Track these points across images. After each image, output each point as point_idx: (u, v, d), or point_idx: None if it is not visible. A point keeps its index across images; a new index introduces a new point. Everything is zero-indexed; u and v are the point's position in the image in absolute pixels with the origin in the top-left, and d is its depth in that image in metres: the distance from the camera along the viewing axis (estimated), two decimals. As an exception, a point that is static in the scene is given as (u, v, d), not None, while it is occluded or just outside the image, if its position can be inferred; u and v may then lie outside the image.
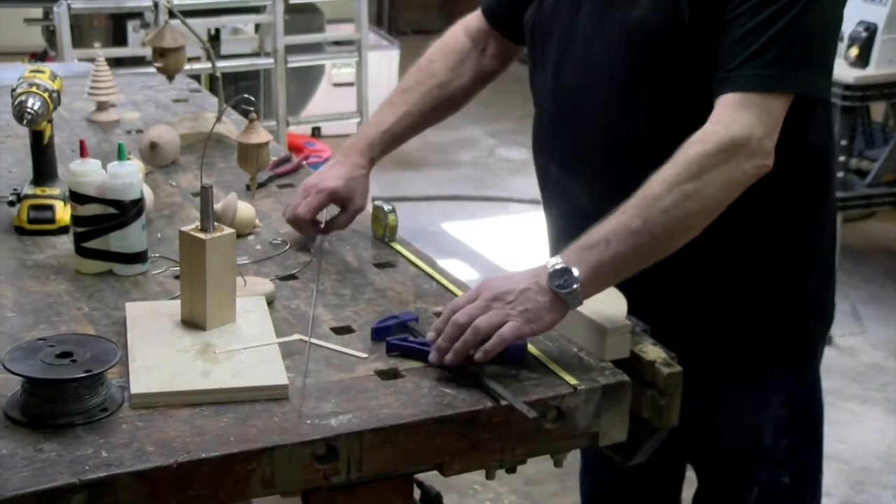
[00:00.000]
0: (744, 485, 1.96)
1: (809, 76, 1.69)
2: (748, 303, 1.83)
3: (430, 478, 1.55)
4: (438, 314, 1.66)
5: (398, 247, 1.89)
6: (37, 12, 4.07)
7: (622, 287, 1.63)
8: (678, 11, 1.69)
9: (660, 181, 1.57)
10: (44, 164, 1.93)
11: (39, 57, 4.39)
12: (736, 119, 1.62)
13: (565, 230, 1.91)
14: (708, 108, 1.68)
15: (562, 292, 1.52)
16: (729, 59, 1.65)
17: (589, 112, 1.81)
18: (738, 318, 1.84)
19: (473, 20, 2.10)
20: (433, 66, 2.08)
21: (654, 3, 1.72)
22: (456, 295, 1.72)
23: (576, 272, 1.51)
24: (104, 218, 1.75)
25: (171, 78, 2.31)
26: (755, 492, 1.95)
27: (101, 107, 2.43)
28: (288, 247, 1.88)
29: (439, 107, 2.07)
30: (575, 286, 1.51)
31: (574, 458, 1.65)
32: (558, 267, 1.51)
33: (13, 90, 1.91)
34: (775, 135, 1.63)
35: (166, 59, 2.27)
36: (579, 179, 1.84)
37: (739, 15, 1.65)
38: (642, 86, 1.75)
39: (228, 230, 1.60)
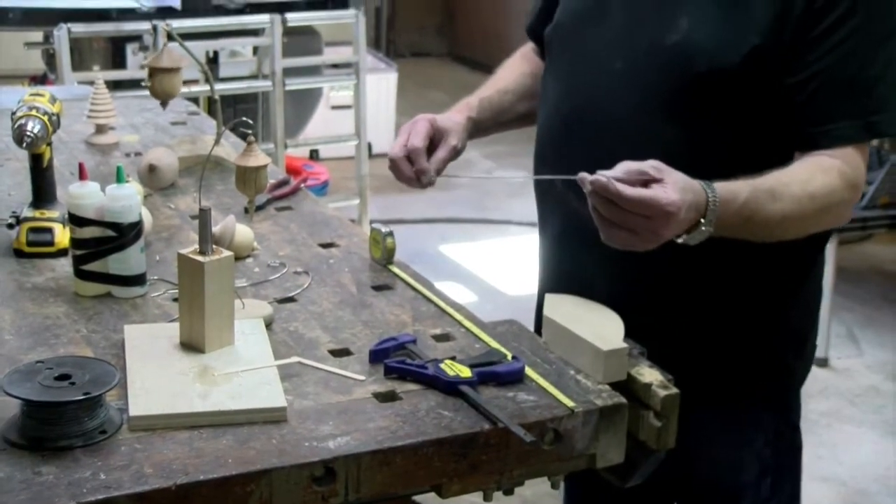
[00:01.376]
0: None
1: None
2: (732, 332, 1.84)
3: (428, 499, 1.56)
4: (436, 336, 1.67)
5: (396, 269, 1.90)
6: (37, 36, 4.09)
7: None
8: (733, 45, 1.69)
9: (807, 196, 1.65)
10: (43, 187, 1.94)
11: (39, 80, 4.41)
12: (858, 169, 1.71)
13: (560, 244, 1.92)
14: (727, 135, 1.73)
15: (688, 238, 1.57)
16: (831, 102, 1.70)
17: (600, 125, 1.82)
18: (720, 347, 1.85)
19: (529, 51, 2.14)
20: (521, 63, 2.14)
21: (695, 30, 1.72)
22: (454, 318, 1.73)
23: (708, 232, 1.56)
24: (103, 240, 1.76)
25: (164, 104, 2.31)
26: None
27: (100, 129, 2.44)
28: (286, 269, 1.89)
29: (528, 93, 2.08)
30: (701, 238, 1.57)
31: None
32: (705, 230, 1.56)
33: (13, 113, 1.92)
34: None
35: (161, 79, 2.28)
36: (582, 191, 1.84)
37: (825, 61, 1.68)
38: (663, 107, 1.76)
39: (227, 253, 1.61)
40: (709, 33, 1.71)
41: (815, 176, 1.67)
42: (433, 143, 1.88)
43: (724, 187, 1.57)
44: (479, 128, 2.01)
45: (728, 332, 1.84)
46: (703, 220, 1.54)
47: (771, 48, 1.68)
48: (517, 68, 2.11)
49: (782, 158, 1.72)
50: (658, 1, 1.78)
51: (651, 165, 1.51)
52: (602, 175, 1.48)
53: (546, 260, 2.00)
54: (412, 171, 1.84)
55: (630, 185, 1.48)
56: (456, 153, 1.91)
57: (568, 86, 1.89)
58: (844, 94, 1.70)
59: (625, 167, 1.51)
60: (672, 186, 1.50)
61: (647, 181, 1.50)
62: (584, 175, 1.50)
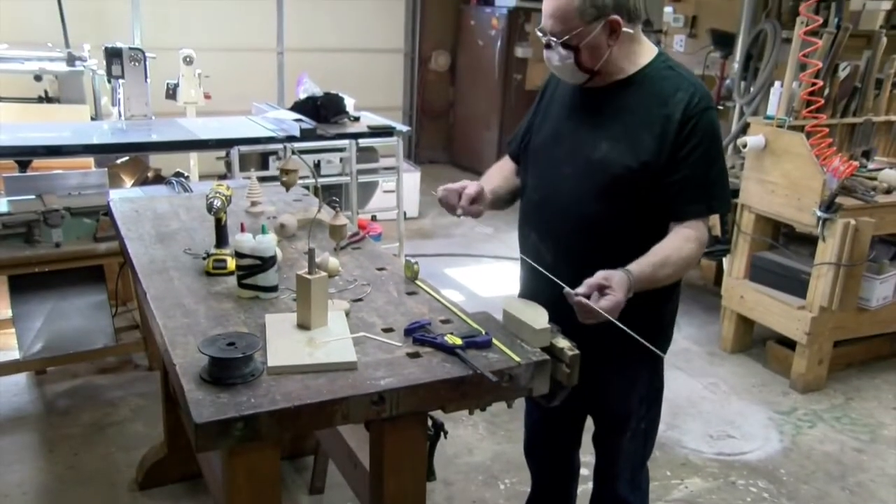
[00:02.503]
0: (621, 429, 1.95)
1: (728, 200, 1.79)
2: (631, 325, 1.80)
3: (437, 414, 1.54)
4: (442, 321, 1.66)
5: (420, 283, 1.89)
6: (221, 153, 4.11)
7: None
8: (630, 160, 1.68)
9: (679, 256, 1.66)
10: (221, 236, 1.93)
11: (222, 176, 4.41)
12: (702, 229, 1.71)
13: (534, 276, 1.91)
14: (633, 210, 1.71)
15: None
16: (688, 197, 1.69)
17: (559, 204, 1.79)
18: (624, 334, 1.82)
19: (508, 160, 2.05)
20: (503, 168, 2.02)
21: (610, 151, 1.71)
22: (452, 310, 1.71)
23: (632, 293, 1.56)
24: (254, 266, 1.75)
25: (288, 188, 2.31)
26: (627, 434, 1.94)
27: (254, 204, 2.44)
28: (357, 283, 1.88)
29: (508, 192, 1.98)
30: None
31: (520, 402, 1.64)
32: (631, 295, 1.56)
33: (207, 195, 1.93)
34: None
35: (287, 176, 2.28)
36: (548, 244, 1.83)
37: (687, 170, 1.68)
38: (594, 194, 1.74)
39: (323, 274, 1.60)
40: (618, 153, 1.70)
41: (684, 245, 1.67)
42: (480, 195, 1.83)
43: (636, 267, 1.59)
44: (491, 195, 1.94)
45: (629, 325, 1.80)
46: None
47: (654, 162, 1.68)
48: (501, 174, 2.01)
49: (661, 224, 1.72)
50: (588, 135, 1.75)
51: (603, 277, 1.53)
52: (580, 295, 1.51)
53: (523, 280, 1.98)
54: (456, 202, 1.79)
55: (597, 293, 1.52)
56: (480, 213, 1.84)
57: (539, 181, 1.86)
58: (696, 190, 1.70)
59: (588, 284, 1.53)
60: (618, 289, 1.53)
61: (603, 287, 1.52)
62: (568, 291, 1.52)
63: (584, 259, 1.68)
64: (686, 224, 1.69)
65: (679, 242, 1.67)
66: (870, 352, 3.80)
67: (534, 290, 1.89)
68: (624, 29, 1.65)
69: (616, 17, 1.63)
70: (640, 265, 1.60)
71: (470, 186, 1.80)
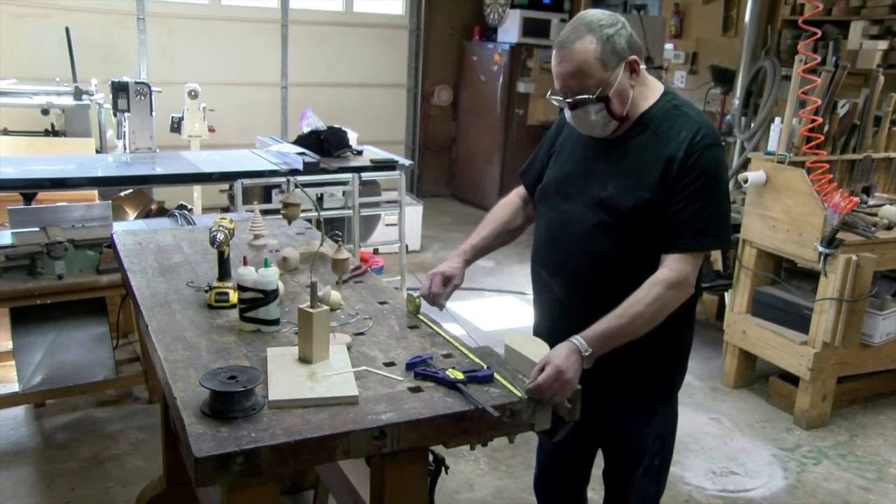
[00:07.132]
0: (634, 465, 1.94)
1: (721, 237, 1.74)
2: (645, 361, 1.81)
3: (438, 448, 1.53)
4: (444, 355, 1.65)
5: (421, 317, 1.89)
6: (224, 186, 4.14)
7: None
8: (636, 199, 1.70)
9: (641, 304, 1.64)
10: (224, 269, 1.94)
11: (225, 209, 4.43)
12: (679, 269, 1.68)
13: (547, 313, 1.93)
14: (642, 247, 1.72)
15: (586, 366, 1.58)
16: (676, 230, 1.69)
17: (570, 243, 1.81)
18: (638, 369, 1.83)
19: (521, 190, 2.07)
20: (503, 210, 2.05)
21: (617, 190, 1.73)
22: (453, 344, 1.72)
23: (595, 356, 1.59)
24: (256, 300, 1.75)
25: (290, 222, 2.32)
26: (640, 470, 1.93)
27: (256, 237, 2.45)
28: (359, 316, 1.88)
29: (503, 234, 2.02)
30: (593, 361, 1.59)
31: (521, 437, 1.63)
32: (587, 355, 1.57)
33: (210, 229, 1.94)
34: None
35: (289, 210, 2.29)
36: (560, 281, 1.84)
37: (679, 204, 1.68)
38: (603, 233, 1.75)
39: (325, 307, 1.61)
40: (624, 192, 1.72)
41: (650, 291, 1.66)
42: (444, 283, 1.91)
43: (591, 331, 1.60)
44: (471, 262, 1.99)
45: (643, 361, 1.81)
46: (585, 358, 1.58)
47: (656, 199, 1.69)
48: (499, 218, 2.05)
49: (658, 255, 1.73)
50: (598, 175, 1.78)
51: (549, 366, 1.51)
52: (527, 384, 1.50)
53: (538, 317, 1.99)
54: (434, 303, 1.89)
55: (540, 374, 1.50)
56: (456, 287, 1.93)
57: (549, 219, 1.88)
58: (687, 224, 1.69)
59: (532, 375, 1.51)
60: (555, 358, 1.53)
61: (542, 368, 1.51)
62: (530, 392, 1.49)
63: (595, 294, 1.71)
64: (668, 260, 1.70)
65: (644, 290, 1.67)
66: (874, 388, 3.78)
67: (548, 326, 1.90)
68: (642, 67, 1.71)
69: (635, 56, 1.69)
70: (599, 324, 1.62)
71: (434, 284, 1.88)
